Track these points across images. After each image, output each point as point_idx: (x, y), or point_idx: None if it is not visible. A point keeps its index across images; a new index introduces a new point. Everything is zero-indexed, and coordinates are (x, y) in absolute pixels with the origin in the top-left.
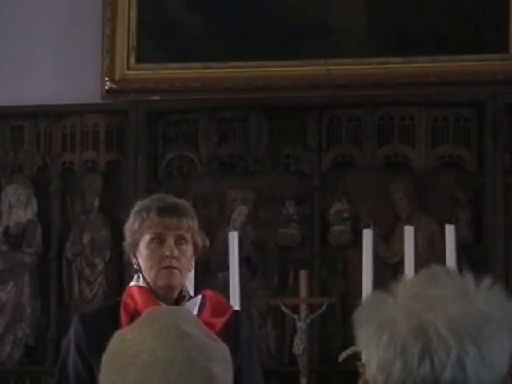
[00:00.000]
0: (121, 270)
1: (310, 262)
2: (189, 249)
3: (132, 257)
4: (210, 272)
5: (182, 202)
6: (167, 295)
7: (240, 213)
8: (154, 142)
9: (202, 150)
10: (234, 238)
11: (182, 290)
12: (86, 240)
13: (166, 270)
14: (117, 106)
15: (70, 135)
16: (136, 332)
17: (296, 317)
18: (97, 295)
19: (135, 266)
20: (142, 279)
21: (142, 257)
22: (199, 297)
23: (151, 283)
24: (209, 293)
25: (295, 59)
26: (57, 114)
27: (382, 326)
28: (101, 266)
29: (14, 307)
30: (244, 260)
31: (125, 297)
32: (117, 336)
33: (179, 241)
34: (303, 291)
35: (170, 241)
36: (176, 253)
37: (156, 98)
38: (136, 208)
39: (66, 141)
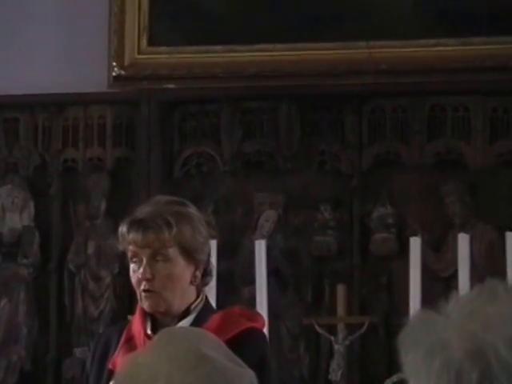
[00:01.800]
0: (131, 284)
1: (348, 275)
2: (170, 266)
3: None
4: (233, 286)
5: (160, 208)
6: (164, 318)
7: (268, 218)
8: (168, 136)
9: (225, 145)
10: (261, 248)
11: (188, 308)
12: (90, 249)
13: (143, 293)
14: (126, 96)
15: (73, 129)
16: (149, 356)
17: (333, 338)
18: (103, 313)
19: None
20: None
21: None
22: (191, 316)
23: None
24: (236, 309)
25: (332, 41)
26: (57, 104)
27: (433, 349)
28: (108, 280)
29: (8, 327)
30: (272, 272)
31: (134, 317)
32: (128, 360)
33: (155, 258)
34: (341, 309)
35: (144, 260)
36: (148, 274)
37: (171, 86)
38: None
39: (67, 135)
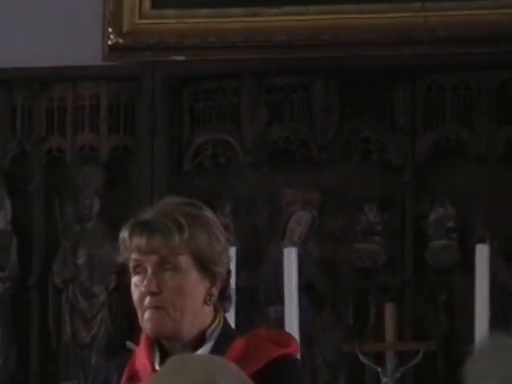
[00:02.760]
0: (130, 303)
1: (399, 292)
2: (180, 277)
3: None
4: (256, 305)
5: (169, 209)
6: (174, 348)
7: (300, 221)
8: (177, 120)
9: (246, 131)
10: (291, 257)
11: (203, 334)
12: (81, 260)
13: (147, 311)
14: (125, 70)
15: (59, 111)
16: None
17: (380, 370)
18: (97, 338)
19: None
20: None
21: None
22: (209, 345)
23: None
24: (262, 332)
25: (378, 2)
26: (40, 80)
27: (508, 381)
28: (102, 297)
29: None
30: (305, 288)
31: (138, 348)
32: None
33: (162, 268)
34: (390, 333)
35: (149, 270)
36: (153, 287)
37: (180, 57)
38: None
39: (52, 119)
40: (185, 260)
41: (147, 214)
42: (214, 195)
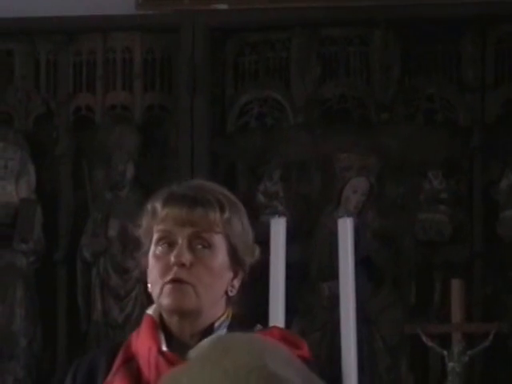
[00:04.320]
0: None
1: (467, 267)
2: (212, 255)
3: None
4: (308, 282)
5: (212, 186)
6: (182, 326)
7: (356, 189)
8: (219, 76)
9: (297, 89)
10: (346, 228)
11: (211, 325)
12: (112, 231)
13: (170, 284)
14: (161, 20)
15: (87, 66)
16: (197, 373)
17: (445, 353)
18: (130, 317)
19: (148, 286)
20: (153, 306)
21: (149, 269)
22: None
23: (159, 308)
24: (275, 331)
25: None
26: (66, 31)
27: None
28: (136, 272)
29: (1, 338)
30: (362, 262)
31: (136, 331)
32: (166, 381)
33: (195, 242)
34: (457, 313)
35: (181, 242)
36: (186, 258)
37: (223, 6)
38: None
39: (80, 75)
40: (219, 240)
41: (183, 188)
42: (261, 160)
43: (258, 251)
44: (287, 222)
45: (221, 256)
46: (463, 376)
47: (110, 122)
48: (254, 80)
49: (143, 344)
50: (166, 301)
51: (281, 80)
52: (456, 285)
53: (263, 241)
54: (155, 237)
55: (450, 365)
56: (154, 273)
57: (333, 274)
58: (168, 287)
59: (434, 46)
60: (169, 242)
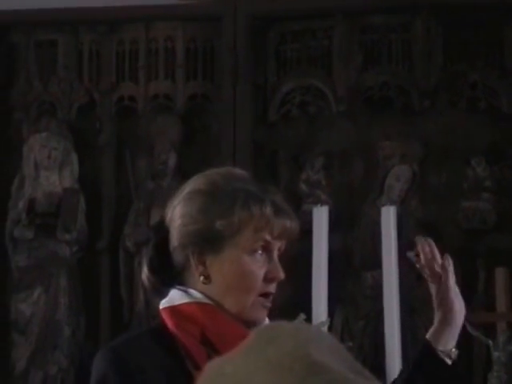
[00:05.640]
0: None
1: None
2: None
3: (197, 262)
4: (351, 271)
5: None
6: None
7: (399, 177)
8: (262, 65)
9: (339, 77)
10: (389, 217)
11: None
12: (155, 221)
13: (265, 299)
14: (203, 9)
15: (130, 55)
16: (241, 362)
17: (491, 343)
18: None
19: (201, 279)
20: (198, 296)
21: (225, 270)
22: None
23: (232, 311)
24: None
25: None
26: (109, 22)
27: None
28: None
29: (44, 327)
30: (406, 251)
31: (176, 320)
32: (210, 369)
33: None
34: (501, 302)
35: (275, 255)
36: (282, 273)
37: None
38: (224, 185)
39: (122, 64)
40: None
41: (275, 195)
42: (303, 148)
43: None
44: (330, 210)
45: None
46: (509, 365)
47: (153, 111)
48: (296, 68)
49: (234, 330)
50: (254, 315)
51: (323, 68)
52: (500, 273)
53: (306, 230)
54: (254, 245)
55: (496, 354)
56: (245, 282)
57: (376, 264)
58: (261, 301)
59: (476, 32)
60: (266, 251)
